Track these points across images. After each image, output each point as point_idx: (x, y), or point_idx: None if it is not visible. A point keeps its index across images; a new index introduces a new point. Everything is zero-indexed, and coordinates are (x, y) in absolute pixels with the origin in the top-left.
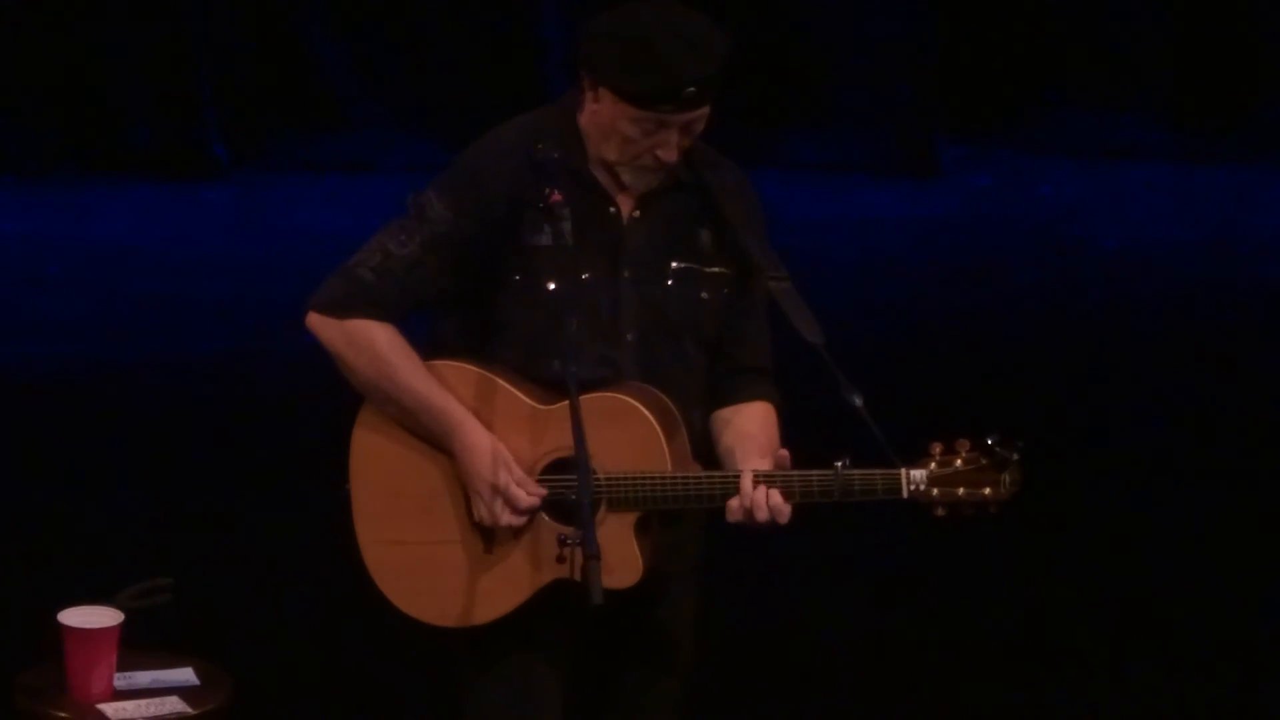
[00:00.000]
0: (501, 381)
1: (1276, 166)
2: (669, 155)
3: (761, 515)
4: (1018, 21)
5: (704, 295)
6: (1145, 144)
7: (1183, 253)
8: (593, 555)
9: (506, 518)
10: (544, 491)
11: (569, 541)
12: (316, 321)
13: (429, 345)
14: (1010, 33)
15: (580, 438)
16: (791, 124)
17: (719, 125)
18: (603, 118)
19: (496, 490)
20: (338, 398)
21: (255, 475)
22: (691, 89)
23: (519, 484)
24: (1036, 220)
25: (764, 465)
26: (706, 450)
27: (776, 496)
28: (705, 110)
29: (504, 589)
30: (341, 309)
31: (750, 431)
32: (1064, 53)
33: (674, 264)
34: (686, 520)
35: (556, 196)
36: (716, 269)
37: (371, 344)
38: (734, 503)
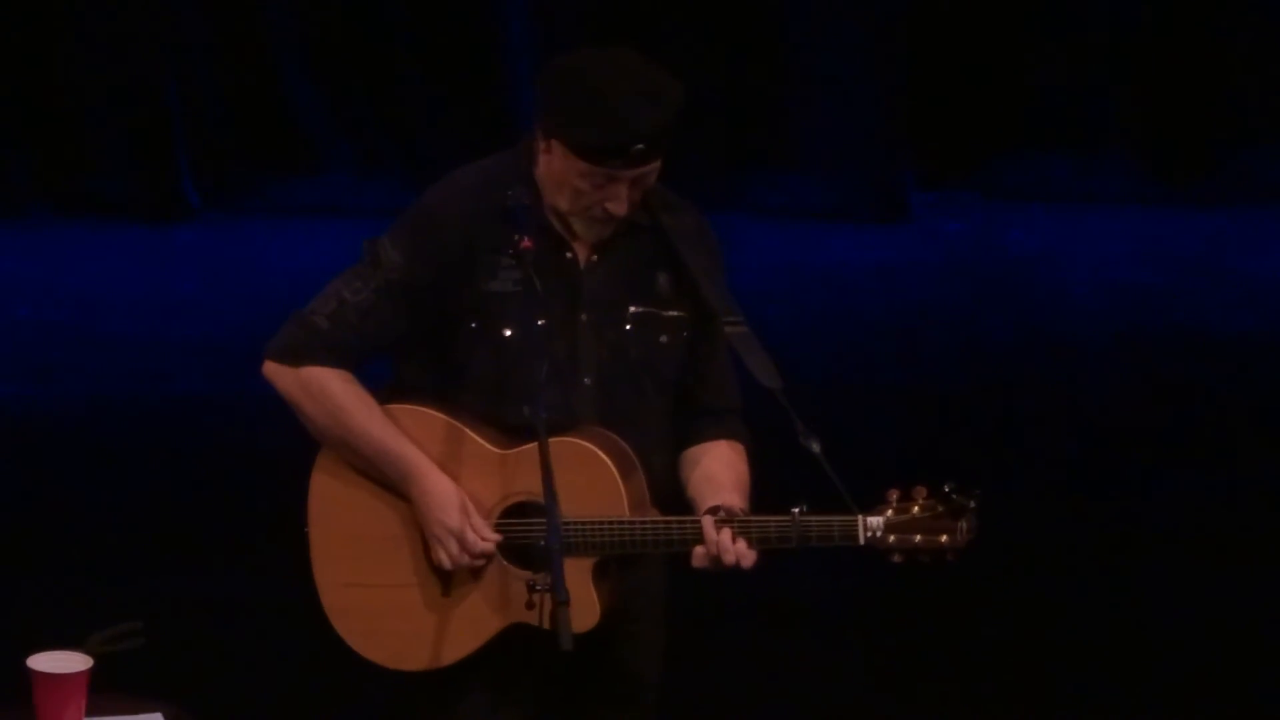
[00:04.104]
0: (461, 426)
1: (1247, 212)
2: (618, 209)
3: (728, 559)
4: (988, 67)
5: (663, 339)
6: (1115, 189)
7: (1152, 298)
8: (562, 601)
9: (462, 561)
10: (498, 537)
11: (538, 587)
12: (272, 370)
13: (392, 389)
14: (980, 78)
15: (549, 485)
16: (761, 168)
17: (688, 169)
18: (554, 168)
19: (452, 534)
20: (311, 441)
21: (226, 518)
22: (640, 146)
23: (474, 529)
24: (1006, 265)
25: (731, 502)
26: (670, 493)
27: (741, 540)
28: (656, 164)
29: (462, 633)
30: (296, 356)
31: (714, 472)
32: (1034, 97)
33: (632, 308)
34: (647, 563)
35: (527, 243)
36: (675, 312)
37: (326, 391)
38: (699, 549)
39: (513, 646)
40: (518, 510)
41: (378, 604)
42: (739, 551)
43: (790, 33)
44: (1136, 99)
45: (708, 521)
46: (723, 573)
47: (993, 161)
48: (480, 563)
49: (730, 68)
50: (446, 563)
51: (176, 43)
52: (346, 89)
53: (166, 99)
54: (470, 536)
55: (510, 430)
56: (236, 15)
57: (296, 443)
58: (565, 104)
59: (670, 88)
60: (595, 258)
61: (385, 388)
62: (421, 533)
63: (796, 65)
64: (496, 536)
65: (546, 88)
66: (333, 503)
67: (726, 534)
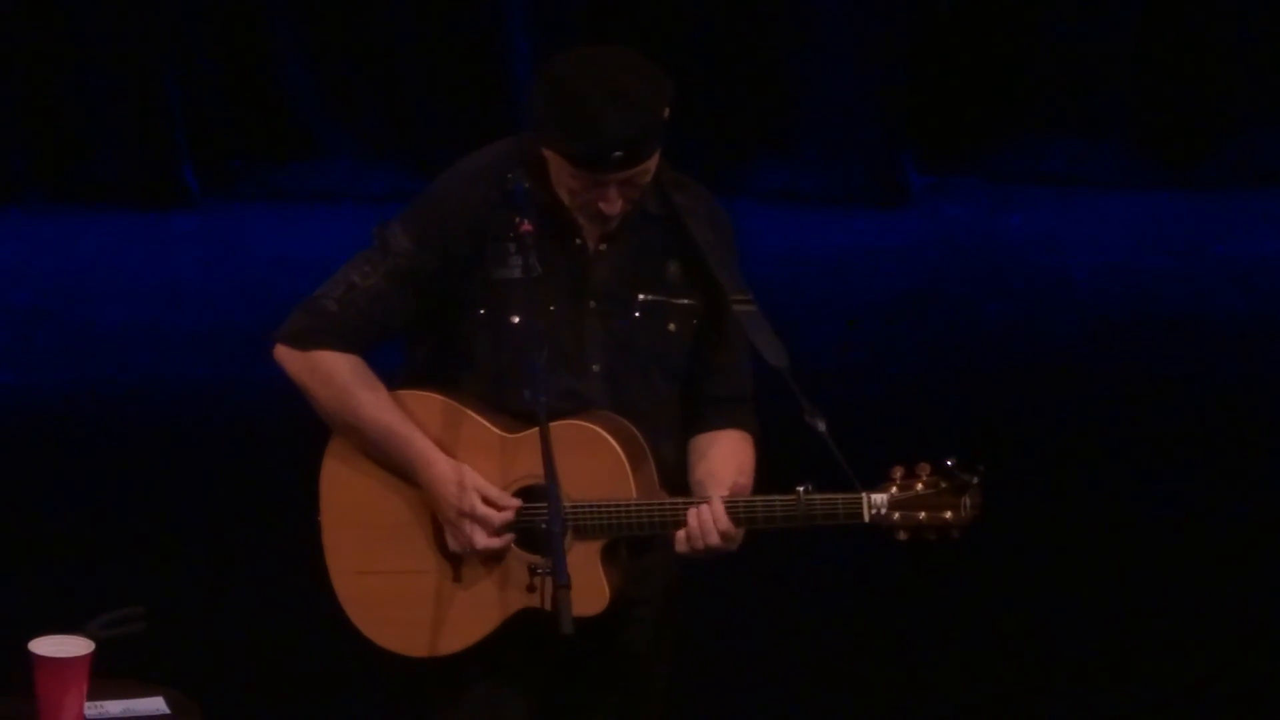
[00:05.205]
0: (468, 410)
1: (1245, 195)
2: (610, 209)
3: (712, 539)
4: (987, 51)
5: (671, 327)
6: (1115, 173)
7: (1151, 282)
8: (563, 584)
9: (481, 541)
10: (518, 503)
11: (540, 570)
12: (282, 353)
13: (403, 373)
14: (980, 62)
15: (550, 466)
16: (761, 153)
17: (689, 154)
18: (552, 167)
19: (466, 515)
20: (309, 426)
21: (226, 503)
22: (619, 153)
23: (490, 502)
24: (1006, 249)
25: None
26: (679, 480)
27: (724, 520)
28: (644, 166)
29: (472, 619)
30: (305, 340)
31: (716, 467)
32: (1033, 82)
33: (641, 296)
34: (658, 546)
35: (527, 226)
36: (685, 301)
37: (335, 375)
38: (680, 534)
39: (522, 632)
40: (524, 494)
41: (389, 591)
42: (723, 531)
43: (791, 17)
44: (1135, 83)
45: (717, 503)
46: (712, 554)
47: (993, 146)
48: (499, 542)
49: (730, 52)
50: (463, 545)
51: (176, 28)
52: (346, 74)
53: (166, 85)
54: (485, 511)
55: (517, 415)
56: (236, 1)
57: (296, 429)
58: (547, 113)
59: (651, 92)
60: (604, 246)
61: (396, 372)
62: (432, 519)
63: (796, 49)
64: (515, 502)
65: (534, 95)
66: (344, 489)
67: (708, 517)
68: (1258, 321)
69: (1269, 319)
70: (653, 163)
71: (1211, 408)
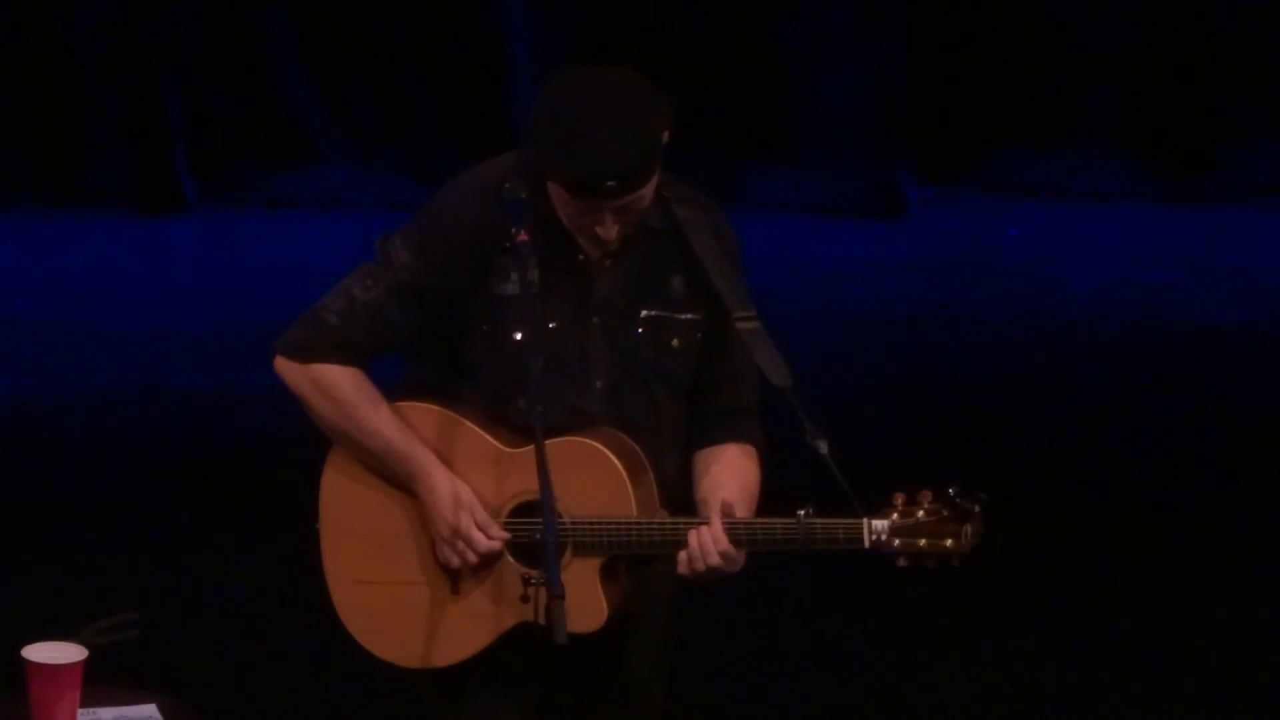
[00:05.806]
0: (469, 424)
1: (1244, 209)
2: (606, 234)
3: (712, 559)
4: (986, 63)
5: (675, 343)
6: (1114, 186)
7: (1150, 295)
8: (557, 595)
9: (466, 560)
10: (506, 535)
11: (533, 581)
12: (283, 365)
13: (403, 387)
14: (978, 74)
15: (545, 478)
16: (759, 164)
17: (688, 164)
18: (551, 189)
19: (457, 533)
20: (306, 434)
21: (221, 510)
22: (613, 183)
23: (480, 527)
24: (1004, 262)
25: (736, 511)
26: (682, 496)
27: (724, 541)
28: (640, 193)
29: (469, 631)
30: (306, 353)
31: (720, 483)
32: (1032, 94)
33: (644, 312)
34: (656, 560)
35: (523, 236)
36: (688, 315)
37: (335, 388)
38: (682, 555)
39: (520, 644)
40: (524, 509)
41: (387, 601)
42: (724, 552)
43: (789, 28)
44: (1133, 96)
45: (717, 524)
46: (714, 576)
47: (990, 157)
48: (483, 560)
49: (729, 62)
50: (449, 561)
51: (174, 35)
52: (343, 82)
53: (164, 91)
54: (475, 535)
55: (520, 430)
56: (233, 7)
57: (293, 435)
58: (543, 139)
59: (647, 119)
60: (608, 261)
61: (397, 384)
62: (429, 530)
63: (795, 60)
64: (504, 535)
65: (532, 117)
66: (344, 499)
67: (708, 538)
68: (1257, 334)
69: (1268, 331)
70: (649, 188)
71: (1212, 421)
